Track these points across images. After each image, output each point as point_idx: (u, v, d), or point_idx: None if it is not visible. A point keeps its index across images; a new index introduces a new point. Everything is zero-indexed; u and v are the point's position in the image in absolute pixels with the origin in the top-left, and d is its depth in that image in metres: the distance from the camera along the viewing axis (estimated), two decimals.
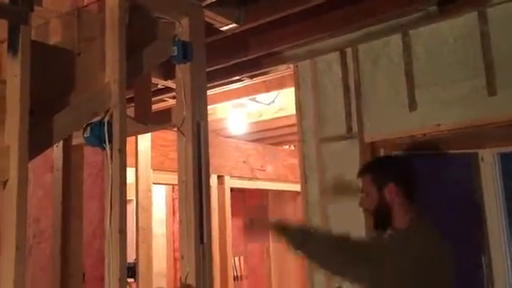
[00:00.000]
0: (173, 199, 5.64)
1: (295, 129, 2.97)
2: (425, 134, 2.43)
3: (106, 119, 1.69)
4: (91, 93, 1.70)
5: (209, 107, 2.17)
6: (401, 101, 2.51)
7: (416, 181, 1.83)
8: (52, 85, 1.64)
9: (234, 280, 5.05)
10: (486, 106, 2.26)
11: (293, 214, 6.17)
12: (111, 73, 1.71)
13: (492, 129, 2.28)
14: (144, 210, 3.74)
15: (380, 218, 1.80)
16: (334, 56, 2.77)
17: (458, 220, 2.58)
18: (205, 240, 2.00)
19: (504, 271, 2.50)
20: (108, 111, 1.70)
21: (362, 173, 1.88)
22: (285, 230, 1.97)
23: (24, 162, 1.41)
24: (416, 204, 1.79)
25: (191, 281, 1.92)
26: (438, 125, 2.38)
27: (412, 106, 2.47)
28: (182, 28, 2.03)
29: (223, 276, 4.58)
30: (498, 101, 2.23)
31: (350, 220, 2.55)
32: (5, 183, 1.42)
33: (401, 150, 2.62)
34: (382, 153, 2.61)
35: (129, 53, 1.75)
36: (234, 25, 2.46)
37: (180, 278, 2.00)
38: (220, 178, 4.68)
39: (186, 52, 1.98)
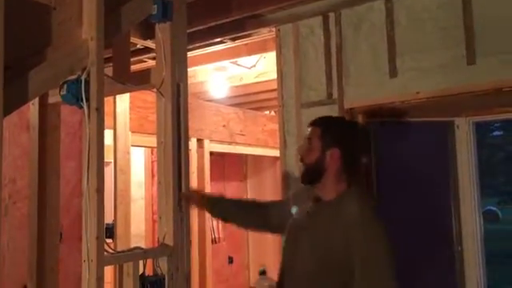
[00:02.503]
0: (152, 162, 5.62)
1: (276, 94, 2.96)
2: (404, 102, 2.45)
3: (83, 77, 1.66)
4: (68, 49, 1.67)
5: (189, 70, 2.15)
6: (381, 67, 2.51)
7: (361, 158, 1.78)
8: (27, 40, 1.60)
9: (212, 242, 5.12)
10: (464, 74, 2.28)
11: (272, 179, 6.23)
12: (89, 29, 1.68)
13: (469, 97, 2.31)
14: (122, 172, 3.73)
15: (310, 174, 1.72)
16: (317, 20, 2.74)
17: (432, 185, 2.66)
18: (182, 201, 2.01)
19: (473, 233, 2.60)
20: (85, 69, 1.67)
21: (314, 124, 1.77)
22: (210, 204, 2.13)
23: None
24: (352, 179, 1.71)
25: (169, 241, 1.94)
26: (418, 92, 2.40)
27: (392, 72, 2.48)
28: None
29: (201, 238, 4.63)
30: (476, 70, 2.25)
31: None
32: None
33: (379, 117, 2.64)
34: (360, 119, 2.63)
35: (107, 9, 1.71)
36: None
37: (158, 238, 2.02)
38: (199, 141, 4.67)
39: (165, 11, 1.95)
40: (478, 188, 2.66)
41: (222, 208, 2.14)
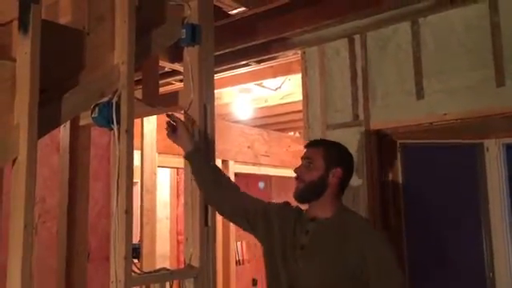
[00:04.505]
0: (177, 182, 5.67)
1: (300, 115, 2.97)
2: (431, 123, 2.43)
3: (114, 100, 1.70)
4: (100, 73, 1.71)
5: (215, 92, 2.18)
6: (408, 89, 2.50)
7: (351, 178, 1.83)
8: (61, 64, 1.65)
9: (236, 264, 5.10)
10: (493, 96, 2.25)
11: None
12: (120, 54, 1.72)
13: (498, 119, 2.28)
14: (149, 192, 3.77)
15: (310, 192, 1.76)
16: (342, 42, 2.76)
17: (461, 209, 2.60)
18: (209, 223, 2.02)
19: (505, 259, 2.52)
20: (116, 92, 1.71)
21: (315, 144, 1.84)
22: (194, 161, 1.95)
23: (33, 139, 1.42)
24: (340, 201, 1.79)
25: (195, 262, 1.94)
26: (445, 114, 2.38)
27: (419, 94, 2.47)
28: (191, 10, 2.03)
29: (225, 260, 4.62)
30: (506, 91, 2.22)
31: (352, 205, 2.56)
32: (14, 161, 1.44)
33: (406, 139, 2.62)
34: (387, 141, 2.61)
35: (138, 35, 1.76)
36: (243, 8, 2.46)
37: (184, 259, 2.02)
38: (224, 162, 4.70)
39: (194, 35, 1.98)
40: (509, 211, 2.59)
41: (200, 163, 1.97)
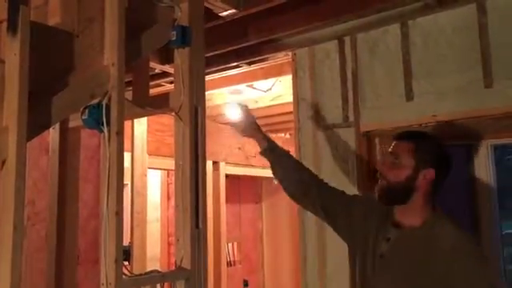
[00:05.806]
0: (168, 184, 5.65)
1: (291, 116, 2.97)
2: (421, 125, 2.45)
3: (104, 102, 1.69)
4: (90, 75, 1.71)
5: (206, 93, 2.18)
6: (398, 91, 2.52)
7: (444, 184, 1.59)
8: (51, 66, 1.64)
9: (228, 265, 5.09)
10: (481, 97, 2.27)
11: (287, 201, 6.21)
12: (110, 56, 1.72)
13: (487, 121, 2.30)
14: (139, 194, 3.76)
15: (395, 194, 1.53)
16: (333, 44, 2.77)
17: (450, 210, 2.62)
18: (200, 225, 2.02)
19: (494, 259, 2.54)
20: (106, 94, 1.70)
21: (406, 137, 1.59)
22: (271, 153, 2.00)
23: (22, 141, 1.42)
24: (435, 203, 1.59)
25: (186, 264, 1.94)
26: (434, 115, 2.39)
27: (409, 96, 2.48)
28: (182, 12, 2.02)
29: (216, 261, 4.62)
30: (493, 93, 2.24)
31: None
32: (3, 163, 1.43)
33: None
34: (377, 143, 2.62)
35: (128, 36, 1.75)
36: (234, 10, 2.46)
37: (175, 261, 2.02)
38: (215, 164, 4.70)
39: (185, 36, 1.98)
40: (497, 212, 2.61)
41: (278, 153, 2.01)
